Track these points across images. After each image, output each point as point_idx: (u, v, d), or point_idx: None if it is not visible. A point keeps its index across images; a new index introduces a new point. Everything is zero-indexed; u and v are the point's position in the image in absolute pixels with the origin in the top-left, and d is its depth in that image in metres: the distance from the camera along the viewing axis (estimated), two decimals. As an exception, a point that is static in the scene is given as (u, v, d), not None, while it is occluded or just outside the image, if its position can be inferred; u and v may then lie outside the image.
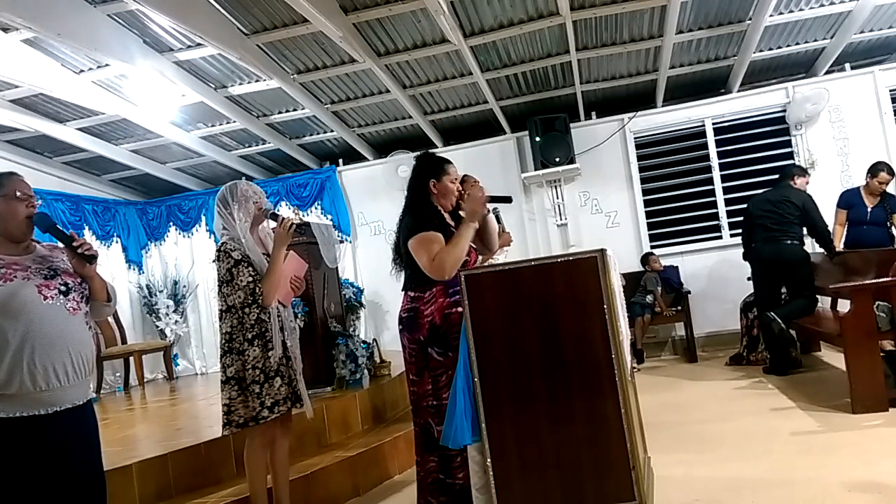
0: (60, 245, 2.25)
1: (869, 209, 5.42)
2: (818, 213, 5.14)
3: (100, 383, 6.71)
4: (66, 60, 5.26)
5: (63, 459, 2.03)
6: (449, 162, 2.94)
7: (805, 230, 5.17)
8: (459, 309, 2.67)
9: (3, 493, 1.93)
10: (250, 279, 2.73)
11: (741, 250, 5.79)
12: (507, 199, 3.34)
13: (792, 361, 5.19)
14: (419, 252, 2.70)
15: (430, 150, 3.01)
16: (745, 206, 5.64)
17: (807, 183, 5.37)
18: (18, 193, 2.12)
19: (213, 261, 2.80)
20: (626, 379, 2.49)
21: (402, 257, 2.85)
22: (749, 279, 5.77)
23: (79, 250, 2.15)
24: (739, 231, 5.77)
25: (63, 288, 2.10)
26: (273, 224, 2.99)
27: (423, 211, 2.81)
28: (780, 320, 4.73)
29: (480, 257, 3.06)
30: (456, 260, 2.64)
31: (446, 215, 2.90)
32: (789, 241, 5.03)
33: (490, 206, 3.04)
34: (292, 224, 2.90)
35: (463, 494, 2.63)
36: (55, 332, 2.03)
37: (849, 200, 5.58)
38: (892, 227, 5.42)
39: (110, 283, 2.36)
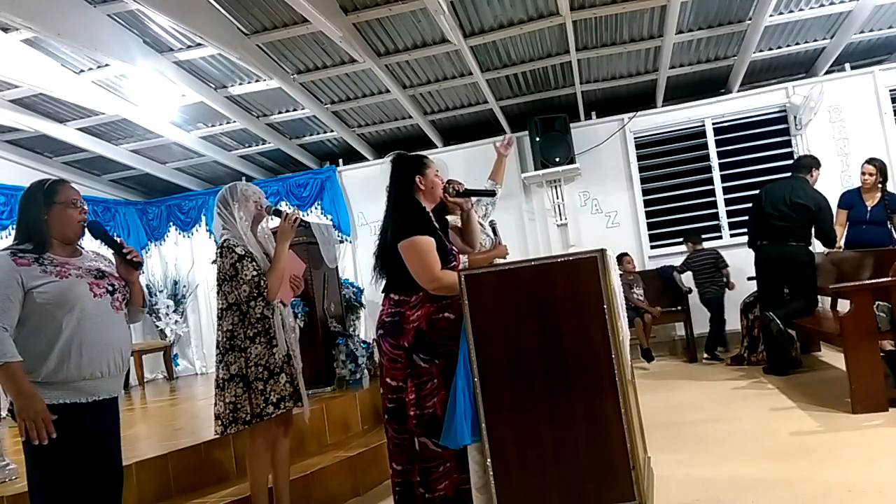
0: (103, 252, 2.43)
1: (869, 208, 5.39)
2: (831, 218, 5.10)
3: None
4: (66, 60, 5.26)
5: (96, 447, 2.17)
6: (426, 157, 2.88)
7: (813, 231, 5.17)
8: (447, 315, 2.61)
9: (44, 476, 2.07)
10: (254, 273, 2.73)
11: (741, 250, 5.79)
12: (489, 193, 3.23)
13: (792, 361, 5.18)
14: (413, 257, 2.59)
15: (401, 152, 2.92)
16: (745, 206, 5.62)
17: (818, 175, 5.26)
18: (74, 201, 2.27)
19: (215, 259, 2.80)
20: (626, 379, 2.49)
21: (385, 260, 2.71)
22: (750, 279, 5.76)
23: (127, 256, 2.33)
24: (741, 231, 5.72)
25: (110, 288, 2.26)
26: (272, 224, 3.00)
27: (410, 211, 2.71)
28: (778, 320, 4.73)
29: (463, 256, 2.97)
30: (453, 288, 2.54)
31: (431, 215, 2.80)
32: (795, 244, 5.02)
33: (480, 210, 2.99)
34: (297, 218, 2.91)
35: (445, 502, 2.54)
36: (102, 325, 2.19)
37: (849, 201, 5.55)
38: (892, 227, 5.39)
39: (145, 291, 2.50)
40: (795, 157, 6.69)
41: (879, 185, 5.31)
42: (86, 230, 2.32)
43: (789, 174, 5.33)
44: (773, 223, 5.08)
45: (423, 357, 2.60)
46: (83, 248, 2.35)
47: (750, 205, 5.56)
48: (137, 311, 2.43)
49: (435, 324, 2.61)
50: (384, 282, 2.75)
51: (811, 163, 5.26)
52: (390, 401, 2.69)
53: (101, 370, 2.17)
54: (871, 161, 5.36)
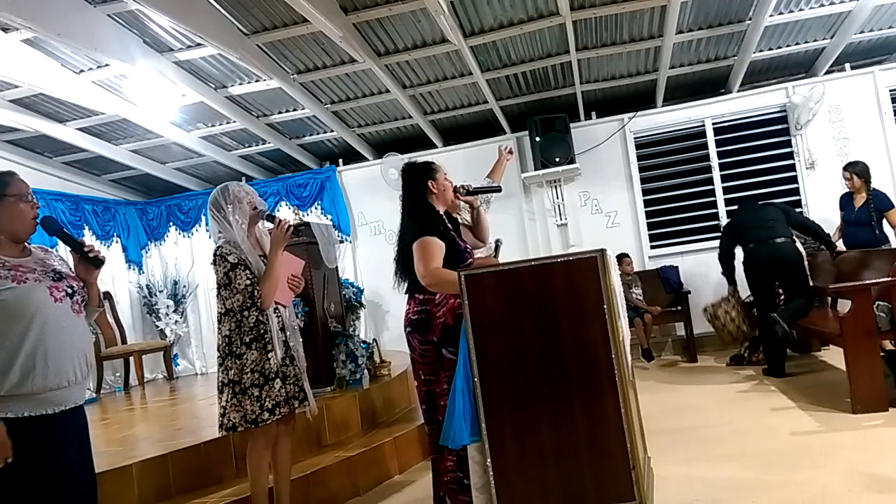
0: (52, 248, 2.29)
1: (855, 209, 5.48)
2: (800, 214, 5.22)
3: (100, 383, 6.71)
4: (66, 60, 5.26)
5: (68, 457, 2.07)
6: (433, 162, 3.03)
7: (799, 232, 5.22)
8: None
9: (14, 492, 1.95)
10: (248, 282, 2.72)
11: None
12: (496, 189, 3.49)
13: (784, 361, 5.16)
14: (416, 253, 2.71)
15: (411, 160, 3.07)
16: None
17: None
18: (26, 195, 2.12)
19: (211, 264, 2.80)
20: (626, 379, 2.49)
21: (406, 263, 2.84)
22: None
23: (89, 255, 2.18)
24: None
25: (69, 290, 2.12)
26: (269, 225, 2.98)
27: (426, 215, 2.84)
28: (783, 322, 4.71)
29: (477, 252, 3.11)
30: (446, 284, 2.64)
31: (444, 217, 2.94)
32: (782, 240, 5.04)
33: (485, 202, 3.12)
34: (290, 226, 2.90)
35: None
36: (65, 332, 2.06)
37: (843, 203, 5.67)
38: (878, 227, 5.43)
39: (100, 289, 2.38)
40: (795, 157, 6.73)
41: (865, 187, 5.43)
42: (38, 227, 2.16)
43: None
44: (752, 226, 5.23)
45: (451, 350, 2.71)
46: (31, 246, 2.19)
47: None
48: (93, 312, 2.28)
49: (459, 318, 2.69)
50: (406, 284, 2.88)
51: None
52: (425, 393, 2.84)
53: (68, 379, 2.05)
54: (846, 167, 5.56)
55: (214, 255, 2.76)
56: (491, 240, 3.88)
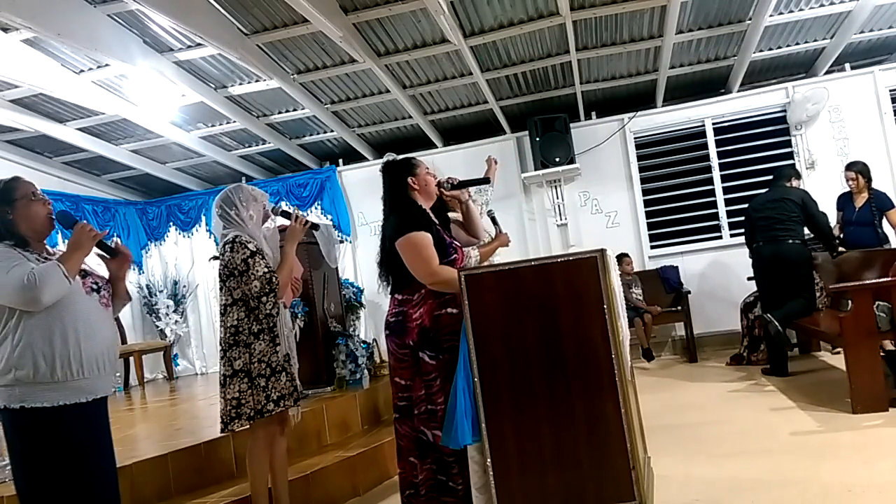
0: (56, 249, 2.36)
1: (856, 209, 5.47)
2: (818, 209, 5.13)
3: (100, 383, 6.70)
4: (66, 60, 5.26)
5: (99, 447, 2.19)
6: (415, 158, 2.97)
7: (806, 229, 5.17)
8: (449, 310, 2.64)
9: (51, 478, 2.05)
10: (266, 270, 2.73)
11: (741, 250, 5.79)
12: (484, 181, 3.42)
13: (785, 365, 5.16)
14: (410, 253, 2.65)
15: (391, 159, 3.03)
16: (745, 206, 5.64)
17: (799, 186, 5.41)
18: (34, 193, 2.21)
19: (222, 254, 2.77)
20: (626, 379, 2.49)
21: (387, 263, 2.79)
22: (749, 279, 5.76)
23: (111, 247, 2.31)
24: (741, 231, 5.73)
25: (94, 286, 2.25)
26: (277, 223, 3.01)
27: (407, 209, 2.77)
28: (776, 322, 4.71)
29: (473, 251, 3.02)
30: (450, 283, 2.58)
31: (430, 212, 2.86)
32: (791, 241, 5.01)
33: (480, 198, 3.07)
34: (307, 221, 2.96)
35: (467, 497, 2.57)
36: (96, 323, 2.18)
37: (842, 203, 5.65)
38: (879, 226, 5.42)
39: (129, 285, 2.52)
40: (795, 157, 6.73)
41: (867, 187, 5.43)
42: (56, 222, 2.26)
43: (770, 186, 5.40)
44: (763, 223, 5.14)
45: (429, 354, 2.64)
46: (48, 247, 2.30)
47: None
48: (120, 304, 2.40)
49: (438, 320, 2.65)
50: (391, 283, 2.82)
51: (790, 172, 5.42)
52: (400, 399, 2.74)
53: (99, 367, 2.17)
54: (849, 167, 5.55)
55: (233, 242, 2.74)
56: (484, 221, 3.79)
